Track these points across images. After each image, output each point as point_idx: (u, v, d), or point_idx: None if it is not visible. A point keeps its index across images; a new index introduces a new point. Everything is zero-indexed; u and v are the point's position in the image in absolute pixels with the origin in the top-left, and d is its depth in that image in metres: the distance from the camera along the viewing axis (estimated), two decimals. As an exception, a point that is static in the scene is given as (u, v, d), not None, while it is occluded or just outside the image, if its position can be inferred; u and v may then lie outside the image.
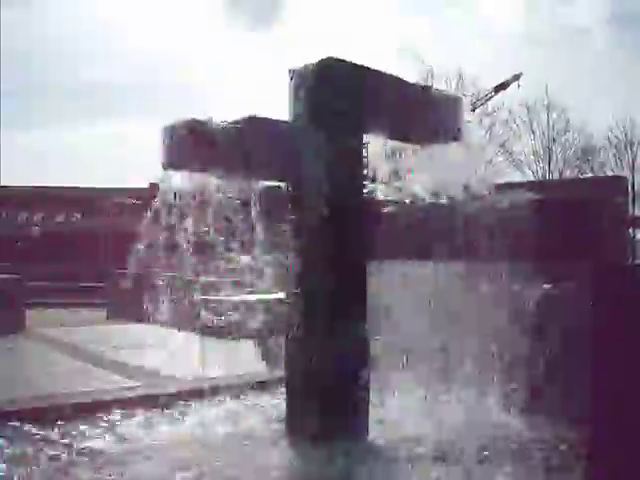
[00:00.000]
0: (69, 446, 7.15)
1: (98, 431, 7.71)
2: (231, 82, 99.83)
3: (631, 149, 53.76)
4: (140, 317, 16.40)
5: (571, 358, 6.60)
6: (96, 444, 7.23)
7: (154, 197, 7.31)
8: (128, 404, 8.66)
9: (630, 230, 21.88)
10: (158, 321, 9.47)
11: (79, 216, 68.35)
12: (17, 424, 7.66)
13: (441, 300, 6.66)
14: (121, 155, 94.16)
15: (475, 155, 8.77)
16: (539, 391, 7.20)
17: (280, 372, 8.47)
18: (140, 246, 7.52)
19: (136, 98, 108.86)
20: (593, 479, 5.47)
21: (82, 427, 7.76)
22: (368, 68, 7.66)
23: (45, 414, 7.96)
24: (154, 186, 7.46)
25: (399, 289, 7.14)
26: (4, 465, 6.51)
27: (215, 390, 9.47)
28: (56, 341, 15.97)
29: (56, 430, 7.62)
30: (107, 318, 23.10)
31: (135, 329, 17.56)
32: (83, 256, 61.49)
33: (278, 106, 7.65)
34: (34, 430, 7.54)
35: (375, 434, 7.49)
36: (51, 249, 57.36)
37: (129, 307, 18.84)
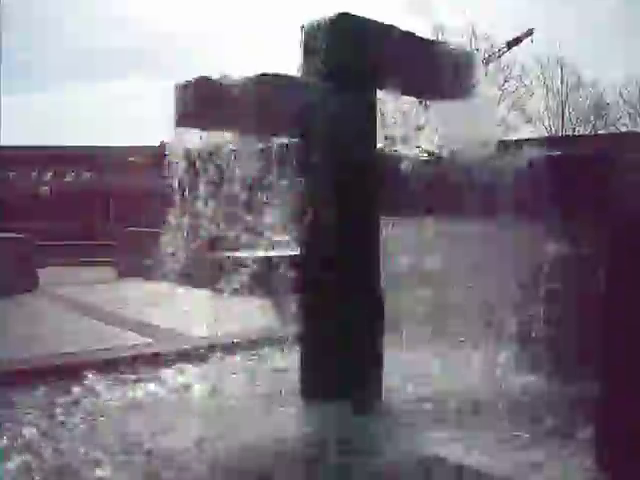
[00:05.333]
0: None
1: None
2: (240, 39, 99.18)
3: (645, 104, 53.18)
4: (152, 275, 16.45)
5: (586, 318, 6.57)
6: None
7: (165, 155, 7.29)
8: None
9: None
10: (171, 279, 9.45)
11: (89, 175, 68.34)
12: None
13: (456, 260, 6.64)
14: (136, 115, 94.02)
15: (488, 111, 8.68)
16: (553, 352, 7.20)
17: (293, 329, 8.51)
18: (154, 203, 7.52)
19: (151, 59, 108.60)
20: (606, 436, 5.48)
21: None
22: (381, 23, 7.57)
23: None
24: (165, 144, 7.44)
25: (417, 245, 7.11)
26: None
27: (230, 347, 9.58)
28: (70, 300, 16.06)
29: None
30: (118, 276, 23.16)
31: (147, 287, 17.61)
32: (94, 214, 61.76)
33: (286, 64, 7.60)
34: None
35: (389, 393, 7.54)
36: (61, 208, 57.51)
37: (141, 265, 18.89)
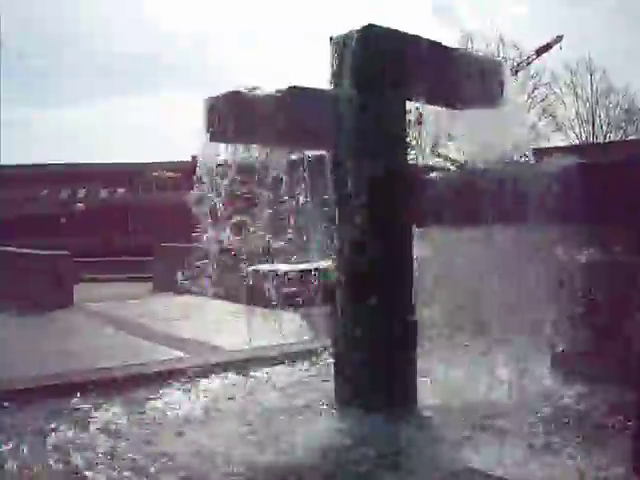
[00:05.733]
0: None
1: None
2: (269, 50, 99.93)
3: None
4: (187, 289, 16.56)
5: (618, 323, 6.53)
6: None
7: (196, 169, 7.35)
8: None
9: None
10: (205, 293, 9.54)
11: (122, 191, 68.99)
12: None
13: (490, 266, 6.62)
14: (166, 128, 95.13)
15: (517, 119, 8.67)
16: (586, 356, 7.15)
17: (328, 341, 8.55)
18: (187, 219, 7.58)
19: (182, 73, 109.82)
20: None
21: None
22: (409, 34, 7.61)
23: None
24: (196, 159, 7.50)
25: (448, 255, 7.11)
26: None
27: (266, 360, 9.65)
28: (104, 315, 16.23)
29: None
30: (153, 290, 23.34)
31: (181, 301, 17.75)
32: (128, 231, 62.30)
33: (313, 77, 7.67)
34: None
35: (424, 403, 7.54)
36: (95, 225, 58.11)
37: (176, 280, 19.01)
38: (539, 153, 7.87)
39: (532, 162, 6.09)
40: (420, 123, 7.97)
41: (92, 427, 7.26)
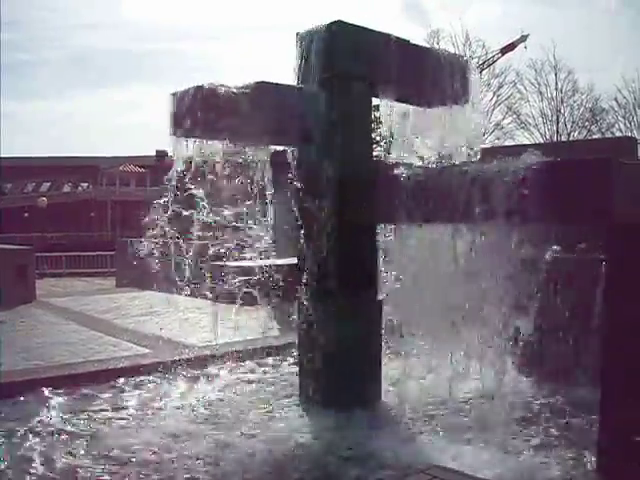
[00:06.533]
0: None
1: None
2: (235, 44, 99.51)
3: (640, 109, 53.17)
4: (149, 285, 16.46)
5: (583, 322, 6.59)
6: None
7: (161, 165, 7.29)
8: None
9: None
10: (168, 289, 9.47)
11: (85, 185, 68.39)
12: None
13: (453, 265, 6.63)
14: (130, 123, 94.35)
15: (481, 117, 8.73)
16: (549, 356, 7.22)
17: (292, 337, 8.54)
18: (150, 214, 7.51)
19: (145, 66, 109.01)
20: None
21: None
22: (377, 31, 7.61)
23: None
24: (160, 154, 7.43)
25: (411, 252, 7.10)
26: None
27: (227, 355, 9.59)
28: (67, 310, 16.01)
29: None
30: (116, 286, 23.14)
31: (145, 297, 17.60)
32: (91, 225, 61.79)
33: (279, 72, 7.65)
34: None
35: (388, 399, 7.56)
36: (58, 219, 57.53)
37: (138, 275, 18.86)
38: (503, 151, 7.92)
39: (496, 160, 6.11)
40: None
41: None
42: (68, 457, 6.25)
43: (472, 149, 8.53)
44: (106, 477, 5.81)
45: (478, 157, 8.43)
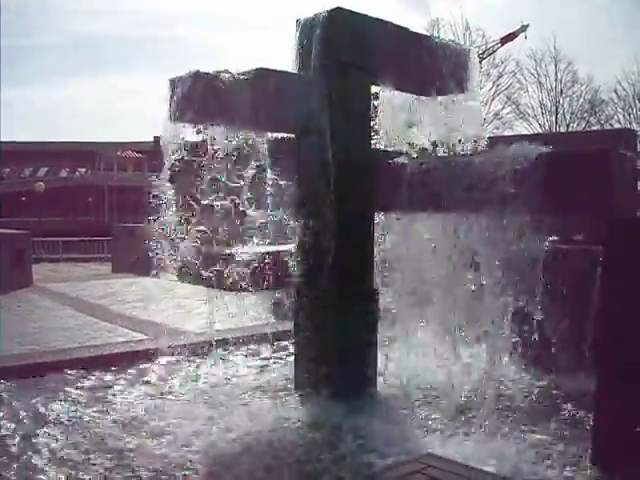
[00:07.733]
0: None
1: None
2: (236, 31, 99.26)
3: (639, 101, 53.09)
4: (146, 271, 16.45)
5: (578, 313, 6.57)
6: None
7: (158, 150, 7.25)
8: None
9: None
10: (164, 275, 9.47)
11: (83, 171, 68.28)
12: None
13: (449, 254, 6.61)
14: (129, 108, 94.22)
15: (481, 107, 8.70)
16: (544, 345, 7.20)
17: (289, 325, 8.53)
18: (147, 200, 7.48)
19: (146, 52, 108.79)
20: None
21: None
22: (377, 19, 7.57)
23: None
24: (159, 140, 7.38)
25: (410, 241, 7.09)
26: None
27: (222, 342, 9.60)
28: (64, 295, 15.99)
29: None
30: (112, 272, 23.11)
31: (141, 282, 17.59)
32: (88, 210, 61.74)
33: (279, 59, 7.60)
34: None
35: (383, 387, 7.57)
36: (56, 204, 57.48)
37: (134, 261, 18.85)
38: (502, 140, 7.89)
39: (496, 150, 6.08)
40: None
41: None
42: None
43: (475, 140, 8.48)
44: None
45: (482, 146, 8.38)
